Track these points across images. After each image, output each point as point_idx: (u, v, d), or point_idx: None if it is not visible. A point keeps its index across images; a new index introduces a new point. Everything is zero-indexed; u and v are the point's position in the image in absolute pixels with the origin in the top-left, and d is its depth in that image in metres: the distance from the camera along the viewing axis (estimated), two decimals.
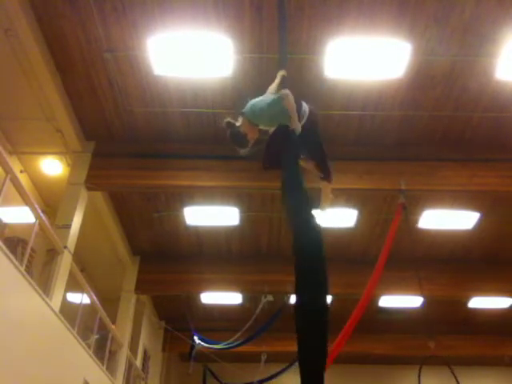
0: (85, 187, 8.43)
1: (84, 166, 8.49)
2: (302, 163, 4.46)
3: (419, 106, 8.02)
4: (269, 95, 4.35)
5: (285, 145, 4.05)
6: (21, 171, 9.11)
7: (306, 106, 4.28)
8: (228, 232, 10.83)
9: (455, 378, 7.79)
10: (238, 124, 4.13)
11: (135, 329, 11.93)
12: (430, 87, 7.71)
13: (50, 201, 9.89)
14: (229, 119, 4.15)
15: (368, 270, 7.03)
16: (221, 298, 12.72)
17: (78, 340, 7.82)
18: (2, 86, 7.69)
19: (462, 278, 11.58)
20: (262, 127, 4.24)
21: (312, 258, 3.34)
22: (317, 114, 4.40)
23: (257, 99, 4.32)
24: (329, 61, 7.17)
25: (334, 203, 4.66)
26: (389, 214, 9.55)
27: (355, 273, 10.68)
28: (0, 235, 6.91)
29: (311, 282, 3.24)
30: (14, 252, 6.11)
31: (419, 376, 7.83)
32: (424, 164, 8.60)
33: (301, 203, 3.61)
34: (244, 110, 4.22)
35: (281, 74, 4.61)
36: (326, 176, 4.55)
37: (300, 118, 4.13)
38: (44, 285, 7.06)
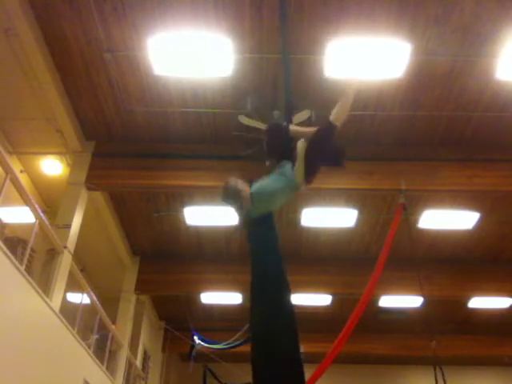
0: (85, 187, 8.44)
1: (84, 166, 8.51)
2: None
3: (419, 106, 8.01)
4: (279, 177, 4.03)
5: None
6: (21, 171, 9.10)
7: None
8: (228, 232, 10.82)
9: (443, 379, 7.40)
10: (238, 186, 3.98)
11: (135, 329, 11.93)
12: (429, 87, 7.71)
13: (49, 201, 9.88)
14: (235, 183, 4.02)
15: (368, 270, 7.02)
16: (221, 297, 12.70)
17: (77, 340, 7.82)
18: (2, 86, 7.69)
19: (462, 277, 11.58)
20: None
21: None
22: (333, 128, 4.03)
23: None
24: (329, 61, 7.17)
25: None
26: (389, 214, 9.56)
27: (355, 273, 10.70)
28: (0, 235, 6.90)
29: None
30: (14, 252, 6.11)
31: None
32: (424, 164, 8.60)
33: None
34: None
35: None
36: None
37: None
38: (44, 285, 7.06)
